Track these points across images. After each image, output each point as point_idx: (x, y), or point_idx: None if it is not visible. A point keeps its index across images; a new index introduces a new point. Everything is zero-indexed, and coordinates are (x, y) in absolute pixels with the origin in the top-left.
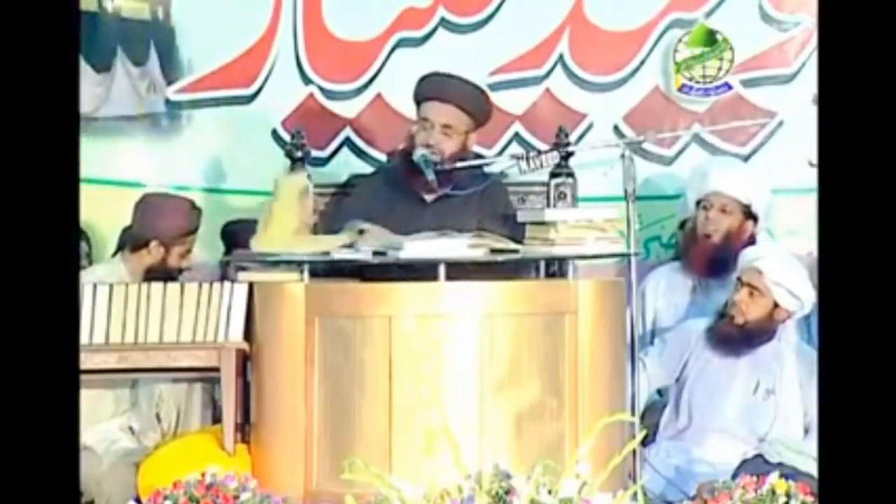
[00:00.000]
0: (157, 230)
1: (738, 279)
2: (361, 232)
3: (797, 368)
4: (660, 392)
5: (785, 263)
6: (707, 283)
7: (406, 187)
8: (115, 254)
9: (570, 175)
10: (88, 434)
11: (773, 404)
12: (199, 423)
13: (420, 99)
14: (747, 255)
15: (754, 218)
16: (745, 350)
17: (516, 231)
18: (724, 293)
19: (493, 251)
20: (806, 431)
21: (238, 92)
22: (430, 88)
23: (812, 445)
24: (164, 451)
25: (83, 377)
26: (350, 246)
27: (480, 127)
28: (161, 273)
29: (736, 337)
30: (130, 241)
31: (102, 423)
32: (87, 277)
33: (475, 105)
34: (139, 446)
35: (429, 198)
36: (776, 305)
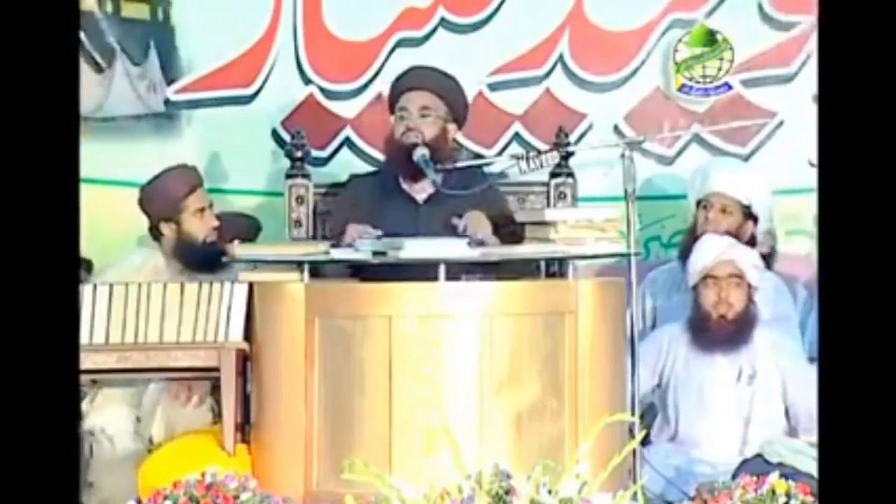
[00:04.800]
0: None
1: (710, 277)
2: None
3: (775, 352)
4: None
5: (740, 246)
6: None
7: (395, 188)
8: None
9: (570, 175)
10: (106, 420)
11: (755, 388)
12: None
13: (396, 95)
14: (707, 254)
15: (754, 219)
16: (730, 342)
17: (514, 232)
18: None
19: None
20: (787, 416)
21: (238, 92)
22: (404, 82)
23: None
24: (164, 451)
25: (102, 375)
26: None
27: (459, 119)
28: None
29: (723, 331)
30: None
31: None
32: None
33: (448, 91)
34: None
35: (420, 197)
36: (750, 287)
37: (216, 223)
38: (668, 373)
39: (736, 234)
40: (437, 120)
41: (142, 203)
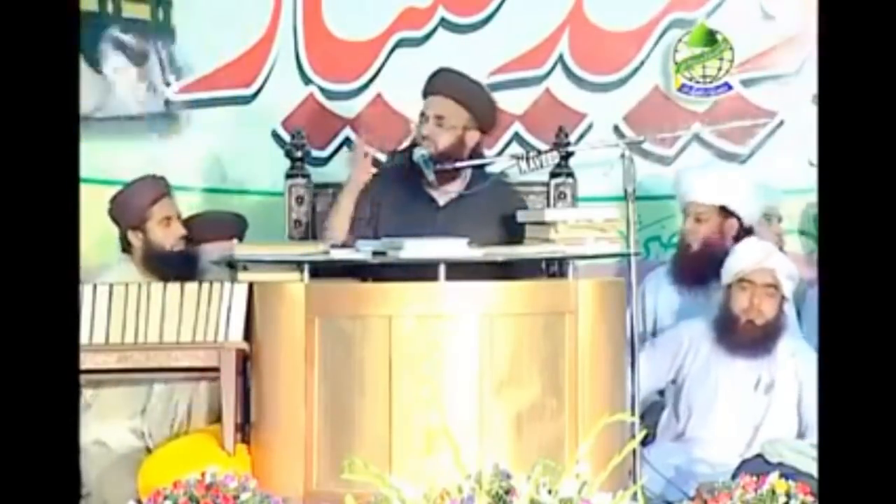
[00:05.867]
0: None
1: (745, 281)
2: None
3: (795, 363)
4: (661, 392)
5: (780, 255)
6: (708, 285)
7: (417, 189)
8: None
9: (570, 175)
10: (103, 430)
11: (771, 398)
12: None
13: (424, 98)
14: (747, 258)
15: (735, 216)
16: (754, 348)
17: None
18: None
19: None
20: (800, 425)
21: (238, 92)
22: (428, 86)
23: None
24: (164, 451)
25: (101, 377)
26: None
27: (484, 126)
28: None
29: (749, 337)
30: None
31: (115, 421)
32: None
33: (471, 98)
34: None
35: (442, 200)
36: (784, 298)
37: (183, 232)
38: (687, 370)
39: (717, 240)
40: (452, 129)
41: (111, 213)
